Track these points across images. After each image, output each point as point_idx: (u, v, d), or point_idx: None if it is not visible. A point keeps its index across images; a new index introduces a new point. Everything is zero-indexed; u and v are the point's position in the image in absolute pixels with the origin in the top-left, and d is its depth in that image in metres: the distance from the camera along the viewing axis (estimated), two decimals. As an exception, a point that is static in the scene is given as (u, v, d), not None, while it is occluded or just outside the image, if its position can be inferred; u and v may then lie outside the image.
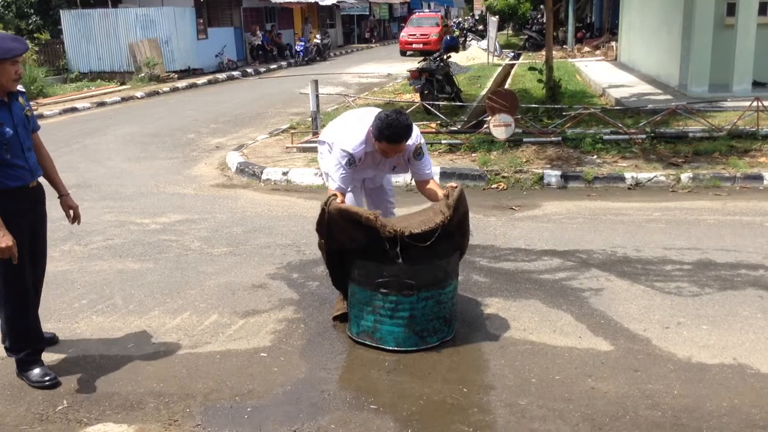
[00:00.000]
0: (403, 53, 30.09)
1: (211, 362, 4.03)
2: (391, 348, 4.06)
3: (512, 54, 25.85)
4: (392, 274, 3.95)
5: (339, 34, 38.51)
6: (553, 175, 7.80)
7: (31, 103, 4.02)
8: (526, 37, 29.43)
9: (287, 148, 9.99)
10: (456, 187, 4.13)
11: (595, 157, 8.49)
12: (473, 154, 8.81)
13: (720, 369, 3.77)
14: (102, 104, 16.62)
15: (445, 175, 7.92)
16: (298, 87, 17.33)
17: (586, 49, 24.03)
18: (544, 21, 15.29)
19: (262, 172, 8.66)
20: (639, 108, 10.94)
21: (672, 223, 6.32)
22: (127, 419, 3.47)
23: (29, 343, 3.85)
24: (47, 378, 3.81)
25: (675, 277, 5.07)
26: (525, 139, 9.10)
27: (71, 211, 4.04)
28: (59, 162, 10.48)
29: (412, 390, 3.66)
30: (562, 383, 3.68)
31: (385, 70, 22.92)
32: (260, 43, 26.49)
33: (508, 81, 16.63)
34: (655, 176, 7.65)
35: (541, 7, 28.67)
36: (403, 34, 31.41)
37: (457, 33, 32.54)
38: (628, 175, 7.70)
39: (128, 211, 7.37)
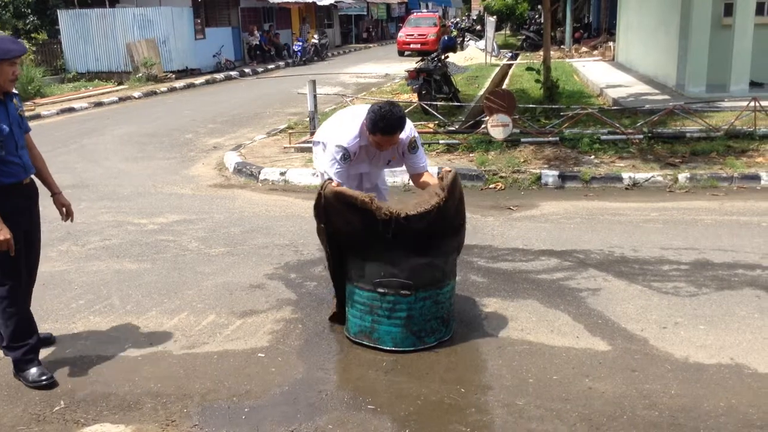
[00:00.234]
0: (401, 53, 30.11)
1: (209, 362, 4.03)
2: (388, 348, 4.06)
3: (510, 54, 25.88)
4: (390, 274, 3.96)
5: (337, 34, 38.51)
6: (550, 175, 7.80)
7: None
8: (524, 37, 29.48)
9: (285, 148, 9.99)
10: (450, 170, 4.14)
11: (592, 157, 8.49)
12: (471, 154, 8.81)
13: (717, 369, 3.78)
14: (99, 104, 16.61)
15: (443, 175, 7.91)
16: (295, 87, 17.33)
17: (584, 49, 24.06)
18: (542, 21, 15.32)
19: (259, 172, 8.65)
20: (636, 108, 10.95)
21: (669, 223, 6.33)
22: (125, 419, 3.47)
23: (26, 339, 3.86)
24: (44, 377, 3.81)
25: (672, 277, 5.08)
26: (523, 139, 9.11)
27: (64, 209, 4.12)
28: (56, 162, 10.54)
29: (410, 390, 3.66)
30: (560, 383, 3.68)
31: (383, 70, 22.93)
32: (258, 43, 26.48)
33: (506, 81, 16.65)
34: (652, 176, 7.66)
35: (539, 7, 28.74)
36: (401, 34, 31.43)
37: (454, 33, 32.54)
38: (625, 175, 7.71)
39: (125, 211, 7.37)
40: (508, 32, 38.21)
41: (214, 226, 6.70)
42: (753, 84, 11.83)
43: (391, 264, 3.98)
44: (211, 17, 24.65)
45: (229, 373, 3.90)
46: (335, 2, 34.94)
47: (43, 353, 4.09)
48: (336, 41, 37.61)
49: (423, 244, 4.03)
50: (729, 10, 12.06)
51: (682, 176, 7.60)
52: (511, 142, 9.02)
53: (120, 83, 19.93)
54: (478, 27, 36.20)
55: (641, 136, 8.93)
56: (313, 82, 10.03)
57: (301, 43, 27.57)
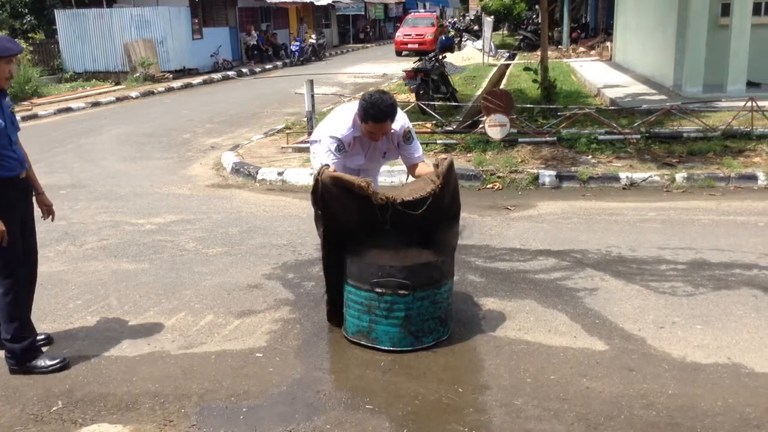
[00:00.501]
0: (399, 53, 30.11)
1: (207, 362, 4.03)
2: (386, 348, 4.06)
3: (507, 54, 25.90)
4: (388, 274, 3.96)
5: (334, 34, 38.51)
6: (548, 175, 7.81)
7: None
8: (522, 37, 29.49)
9: (283, 148, 9.99)
10: (446, 158, 4.18)
11: (590, 157, 8.50)
12: (468, 154, 8.82)
13: (714, 368, 3.78)
14: (97, 104, 16.59)
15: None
16: (293, 87, 17.35)
17: (581, 49, 24.09)
18: (540, 21, 15.33)
19: (257, 173, 8.65)
20: (634, 108, 10.95)
21: (666, 223, 6.34)
22: (123, 420, 3.47)
23: (31, 331, 3.96)
24: (57, 361, 3.94)
25: (669, 276, 5.08)
26: (520, 139, 9.12)
27: (45, 208, 4.21)
28: (54, 162, 10.52)
29: (408, 390, 3.66)
30: (558, 383, 3.69)
31: (381, 70, 22.93)
32: (255, 43, 26.47)
33: (504, 81, 16.66)
34: (649, 176, 7.67)
35: (537, 7, 28.73)
36: (399, 34, 31.43)
37: (452, 33, 32.57)
38: (622, 175, 7.72)
39: (123, 211, 7.36)
40: (505, 32, 38.22)
41: (212, 226, 6.70)
42: (750, 84, 11.85)
43: (388, 256, 3.99)
44: (209, 17, 24.64)
45: (227, 373, 3.90)
46: (333, 2, 34.94)
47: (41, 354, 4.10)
48: (334, 41, 37.61)
49: (419, 234, 4.04)
50: (726, 10, 12.07)
51: (680, 176, 7.61)
52: (509, 142, 9.03)
53: (117, 83, 19.91)
54: (476, 27, 36.21)
55: (638, 136, 8.95)
56: (311, 82, 10.03)
57: (298, 43, 27.57)
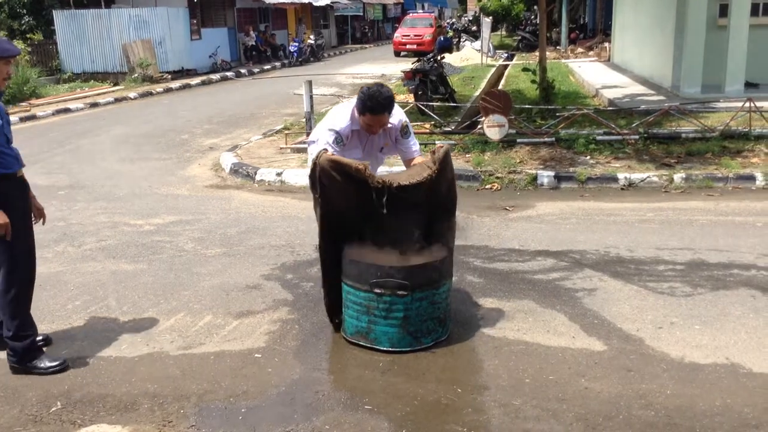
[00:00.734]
0: (397, 54, 30.10)
1: (206, 363, 4.03)
2: (385, 348, 4.06)
3: (506, 55, 25.90)
4: (387, 274, 3.96)
5: (333, 34, 38.50)
6: (546, 176, 7.82)
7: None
8: (520, 37, 29.50)
9: (281, 148, 9.99)
10: (442, 146, 4.23)
11: (588, 157, 8.51)
12: (467, 155, 8.83)
13: (713, 368, 3.79)
14: (95, 105, 16.58)
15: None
16: (291, 88, 17.34)
17: (580, 49, 24.11)
18: (538, 22, 15.34)
19: (256, 173, 8.65)
20: (632, 109, 10.97)
21: (665, 224, 6.34)
22: (122, 420, 3.47)
23: (33, 328, 3.99)
24: (57, 363, 3.95)
25: (668, 277, 5.09)
26: (518, 140, 9.12)
27: (37, 212, 4.19)
28: (52, 163, 10.51)
29: (407, 390, 3.67)
30: (556, 383, 3.69)
31: (379, 70, 22.93)
32: (254, 43, 26.45)
33: (502, 82, 16.66)
34: (647, 177, 7.68)
35: (535, 8, 28.77)
36: (397, 35, 31.43)
37: (450, 34, 32.57)
38: (621, 175, 7.73)
39: (121, 212, 7.36)
40: (503, 33, 38.24)
41: (211, 227, 6.70)
42: (748, 85, 11.87)
43: (387, 256, 3.99)
44: (207, 18, 24.62)
45: (226, 373, 3.90)
46: (331, 3, 34.94)
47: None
48: (332, 42, 37.60)
49: (417, 226, 4.05)
50: (724, 10, 12.08)
51: (678, 177, 7.62)
52: (507, 142, 9.03)
53: (116, 84, 19.89)
54: (474, 28, 36.23)
55: (637, 137, 8.96)
56: (310, 83, 10.03)
57: (297, 44, 27.55)
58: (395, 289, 3.97)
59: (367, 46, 39.26)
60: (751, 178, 7.52)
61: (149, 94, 18.41)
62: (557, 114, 10.01)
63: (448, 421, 3.38)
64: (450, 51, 22.14)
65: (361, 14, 42.36)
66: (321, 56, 29.52)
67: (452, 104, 11.95)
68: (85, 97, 17.57)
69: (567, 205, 7.06)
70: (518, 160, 8.44)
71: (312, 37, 29.61)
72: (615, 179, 7.71)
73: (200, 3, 23.43)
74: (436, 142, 9.28)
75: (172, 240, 6.34)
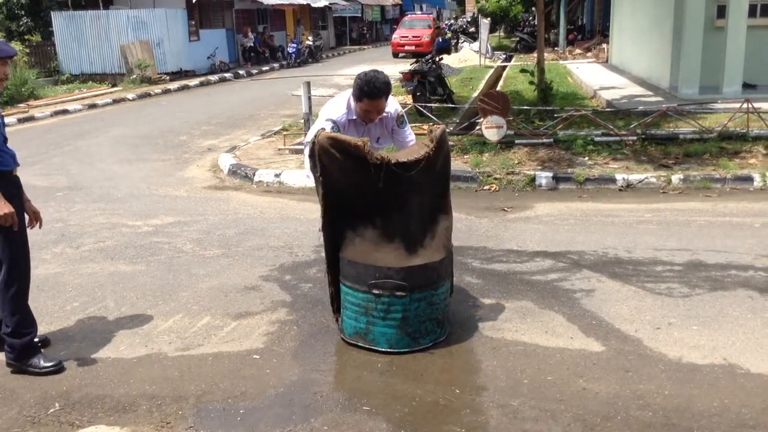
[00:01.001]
0: (395, 55, 30.12)
1: (204, 364, 4.03)
2: (383, 349, 4.06)
3: (504, 56, 25.94)
4: (385, 275, 3.97)
5: (331, 35, 38.53)
6: (544, 177, 7.83)
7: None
8: (518, 39, 29.54)
9: (279, 149, 9.99)
10: (439, 127, 4.31)
11: (586, 158, 8.52)
12: (465, 156, 8.83)
13: (710, 369, 3.80)
14: (93, 106, 16.57)
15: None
16: (290, 89, 17.36)
17: (578, 51, 24.13)
18: (536, 23, 15.34)
19: (254, 174, 8.65)
20: (630, 110, 10.98)
21: (663, 225, 6.35)
22: (120, 421, 3.47)
23: (32, 326, 4.03)
24: (52, 363, 3.96)
25: (666, 278, 5.10)
26: (517, 141, 9.13)
27: (33, 215, 4.20)
28: (51, 164, 10.51)
29: (405, 391, 3.67)
30: (554, 384, 3.69)
31: (378, 71, 22.89)
32: (252, 44, 26.47)
33: (500, 83, 16.69)
34: (645, 178, 7.69)
35: (533, 9, 28.78)
36: (395, 36, 31.45)
37: (449, 35, 32.60)
38: (619, 176, 7.74)
39: (120, 213, 7.36)
40: (502, 34, 38.29)
41: (209, 228, 6.70)
42: (746, 86, 11.89)
43: (385, 257, 4.00)
44: (205, 19, 24.63)
45: (224, 374, 3.90)
46: (329, 4, 34.97)
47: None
48: (330, 43, 37.62)
49: (414, 201, 4.10)
50: (722, 12, 12.11)
51: (676, 177, 7.63)
52: (506, 143, 9.04)
53: (114, 85, 19.89)
54: (473, 29, 36.26)
55: (635, 138, 8.97)
56: (308, 84, 10.01)
57: (295, 45, 27.58)
58: (393, 290, 3.97)
59: (365, 47, 39.28)
60: (749, 179, 7.54)
61: (147, 95, 18.41)
62: (555, 115, 10.02)
63: (447, 422, 3.38)
64: (448, 52, 22.17)
65: (360, 15, 42.40)
66: (319, 57, 29.54)
67: (450, 105, 11.96)
68: (83, 98, 17.56)
69: (565, 206, 7.07)
70: (516, 161, 8.44)
71: (310, 38, 29.63)
72: (613, 180, 7.72)
73: (198, 4, 23.45)
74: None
75: (170, 241, 6.34)
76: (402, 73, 12.65)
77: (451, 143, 9.13)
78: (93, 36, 20.91)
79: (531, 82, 11.95)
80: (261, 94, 17.98)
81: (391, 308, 4.00)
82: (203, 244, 6.22)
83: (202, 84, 20.89)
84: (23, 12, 22.31)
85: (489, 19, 28.17)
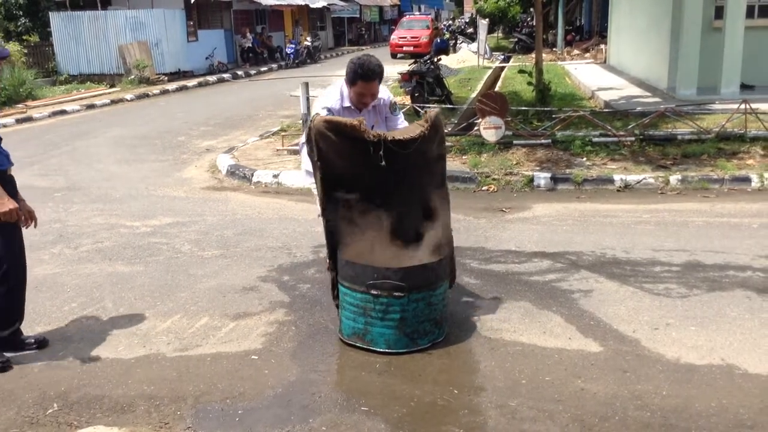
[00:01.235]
0: (394, 56, 30.14)
1: (202, 365, 4.03)
2: (382, 350, 4.07)
3: (502, 57, 25.95)
4: (383, 276, 3.97)
5: (329, 36, 38.54)
6: (542, 177, 7.83)
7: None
8: (516, 39, 29.56)
9: (278, 150, 9.99)
10: (434, 111, 4.41)
11: (584, 159, 8.53)
12: (464, 157, 8.84)
13: (708, 369, 3.80)
14: (91, 107, 16.56)
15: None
16: (288, 89, 17.35)
17: (576, 51, 24.15)
18: (534, 24, 15.35)
19: (252, 175, 8.65)
20: (628, 110, 10.99)
21: (661, 225, 6.36)
22: (118, 422, 3.47)
23: (20, 320, 4.17)
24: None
25: (664, 278, 5.10)
26: (515, 142, 9.14)
27: (27, 214, 4.19)
28: (49, 164, 10.50)
29: (403, 392, 3.67)
30: (552, 384, 3.70)
31: (376, 72, 22.89)
32: (250, 45, 26.46)
33: (498, 84, 16.69)
34: (644, 178, 7.70)
35: (531, 10, 28.81)
36: (394, 37, 31.48)
37: (447, 36, 32.62)
38: (617, 177, 7.75)
39: (118, 213, 7.35)
40: (500, 35, 38.29)
41: (207, 229, 6.70)
42: (744, 86, 11.90)
43: (383, 257, 4.01)
44: (204, 19, 24.62)
45: (223, 375, 3.90)
46: (328, 5, 34.97)
47: (36, 356, 4.12)
48: (329, 44, 37.64)
49: (412, 183, 4.17)
50: (720, 13, 12.13)
51: (674, 178, 7.64)
52: (504, 144, 9.05)
53: (112, 85, 19.88)
54: (471, 30, 36.29)
55: (633, 139, 8.98)
56: (306, 84, 10.02)
57: (293, 46, 27.59)
58: (392, 290, 3.98)
59: (363, 48, 39.24)
60: (747, 180, 7.55)
61: (146, 95, 18.40)
62: (553, 116, 10.03)
63: (445, 423, 3.38)
64: (446, 53, 22.16)
65: (358, 16, 42.41)
66: (318, 58, 29.54)
67: (449, 106, 11.96)
68: (81, 98, 17.55)
69: (563, 207, 7.07)
70: (515, 162, 8.45)
71: (309, 38, 29.65)
72: (611, 181, 7.72)
73: (197, 5, 23.44)
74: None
75: (168, 242, 6.34)
76: (400, 73, 12.66)
77: (449, 144, 9.19)
78: (91, 36, 20.90)
79: (529, 83, 11.95)
80: (259, 95, 17.98)
81: (390, 309, 4.01)
82: (201, 245, 6.22)
83: (200, 84, 20.88)
84: (21, 12, 22.30)
85: (487, 19, 28.17)
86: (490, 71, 20.19)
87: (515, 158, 8.61)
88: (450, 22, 49.74)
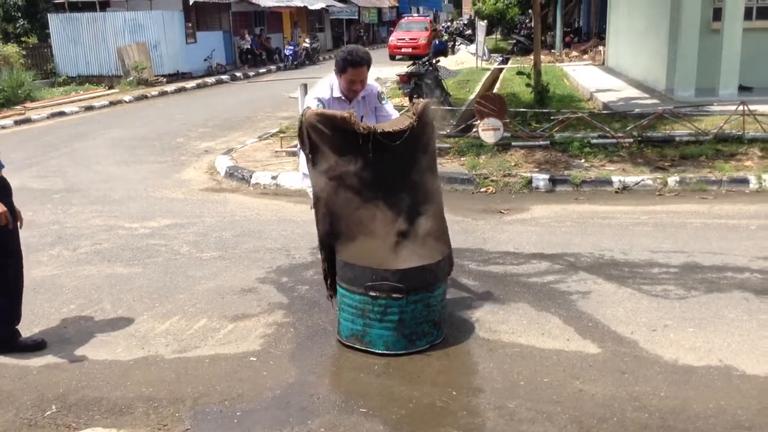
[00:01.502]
0: (392, 57, 30.15)
1: (201, 366, 4.03)
2: (380, 351, 4.07)
3: (501, 58, 25.98)
4: (382, 277, 3.97)
5: (328, 38, 38.53)
6: (541, 179, 7.84)
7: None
8: (515, 41, 29.61)
9: (276, 152, 9.99)
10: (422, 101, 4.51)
11: (582, 160, 8.54)
12: (462, 158, 8.84)
13: (706, 371, 3.81)
14: (90, 108, 16.56)
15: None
16: (287, 91, 17.34)
17: (574, 53, 24.17)
18: (532, 25, 15.37)
19: (251, 176, 8.65)
20: (626, 112, 11.00)
21: (659, 227, 6.37)
22: (116, 424, 3.47)
23: (17, 320, 4.23)
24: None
25: (662, 280, 5.11)
26: (513, 143, 9.15)
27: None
28: (47, 166, 10.50)
29: (402, 393, 3.67)
30: (551, 386, 3.70)
31: (374, 73, 22.75)
32: (249, 47, 26.46)
33: (497, 85, 16.70)
34: (642, 180, 7.71)
35: (529, 11, 28.84)
36: (392, 39, 31.49)
37: (445, 37, 32.64)
38: (615, 178, 7.76)
39: (117, 215, 7.35)
40: (498, 36, 38.31)
41: (206, 230, 6.70)
42: (742, 88, 11.91)
43: (381, 258, 4.00)
44: (202, 21, 24.61)
45: (221, 377, 3.90)
46: (326, 6, 34.98)
47: (35, 357, 4.12)
48: (327, 45, 37.62)
49: (403, 174, 4.19)
50: (718, 14, 12.14)
51: (672, 180, 7.65)
52: (502, 145, 9.05)
53: (111, 87, 19.88)
54: (469, 31, 36.31)
55: (631, 140, 8.99)
56: (305, 86, 10.02)
57: (292, 47, 27.59)
58: (390, 292, 3.98)
59: (362, 49, 39.23)
60: (745, 181, 7.56)
61: (144, 97, 18.40)
62: (552, 117, 10.04)
63: (444, 424, 3.39)
64: (445, 54, 22.18)
65: (356, 18, 42.42)
66: (316, 60, 29.54)
67: (447, 107, 11.96)
68: (80, 100, 17.55)
69: (562, 208, 7.08)
70: (513, 164, 8.46)
71: (307, 40, 29.65)
72: (609, 182, 7.73)
73: (195, 6, 23.43)
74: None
75: (167, 243, 6.34)
76: (399, 75, 12.68)
77: (447, 145, 9.20)
78: (90, 38, 20.91)
79: (528, 85, 11.97)
80: (258, 97, 17.98)
81: (388, 310, 4.01)
82: (200, 247, 6.22)
83: (198, 86, 20.88)
84: (20, 14, 22.32)
85: (486, 21, 28.15)
86: (488, 73, 20.21)
87: (514, 160, 8.61)
88: (448, 23, 49.78)
